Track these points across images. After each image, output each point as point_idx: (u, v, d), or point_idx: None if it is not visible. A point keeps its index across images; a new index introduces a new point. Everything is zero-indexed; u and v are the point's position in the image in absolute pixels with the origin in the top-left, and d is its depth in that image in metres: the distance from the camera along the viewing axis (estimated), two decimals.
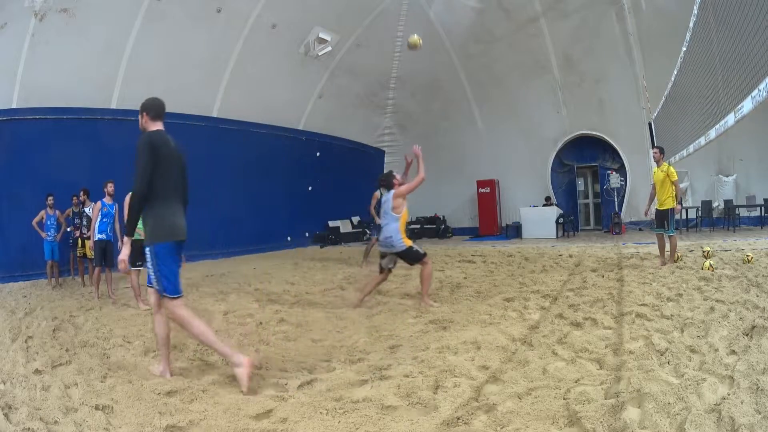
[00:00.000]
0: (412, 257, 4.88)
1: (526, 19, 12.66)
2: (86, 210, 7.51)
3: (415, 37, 6.61)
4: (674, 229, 6.39)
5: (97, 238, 6.32)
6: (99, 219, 6.33)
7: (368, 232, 8.92)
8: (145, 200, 2.70)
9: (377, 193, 8.70)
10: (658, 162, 6.53)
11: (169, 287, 2.74)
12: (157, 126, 2.90)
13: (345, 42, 12.81)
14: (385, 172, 5.20)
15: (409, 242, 4.86)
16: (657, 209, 6.54)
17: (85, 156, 8.80)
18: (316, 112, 13.96)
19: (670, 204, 6.36)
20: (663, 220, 6.40)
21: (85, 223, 7.47)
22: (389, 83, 14.99)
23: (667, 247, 6.50)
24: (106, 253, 6.33)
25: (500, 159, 14.90)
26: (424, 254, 4.88)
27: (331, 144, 14.93)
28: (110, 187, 6.44)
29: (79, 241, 7.49)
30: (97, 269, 6.38)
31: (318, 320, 4.57)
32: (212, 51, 10.56)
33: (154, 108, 2.90)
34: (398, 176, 5.09)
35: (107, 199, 6.39)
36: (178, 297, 2.77)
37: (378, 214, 8.72)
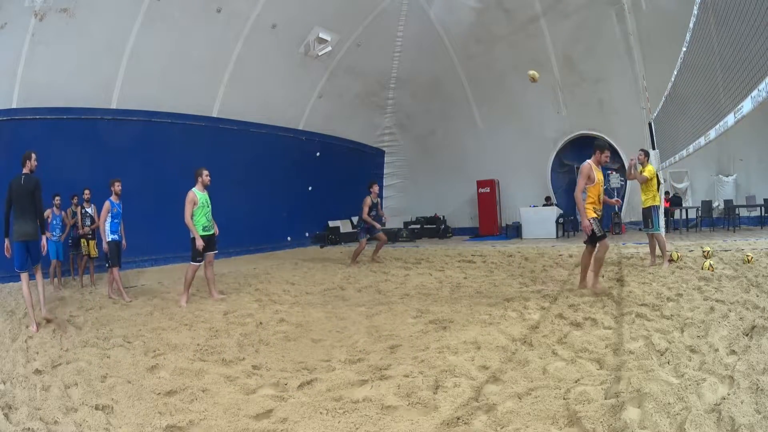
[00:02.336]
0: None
1: (526, 19, 12.65)
2: (88, 210, 7.48)
3: (535, 74, 6.84)
4: (658, 227, 6.49)
5: (110, 239, 6.22)
6: (110, 219, 6.21)
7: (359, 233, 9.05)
8: (7, 217, 4.57)
9: (368, 200, 8.73)
10: (642, 164, 6.73)
11: (15, 264, 4.59)
12: (23, 170, 4.61)
13: (345, 42, 12.80)
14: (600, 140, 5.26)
15: (592, 214, 4.93)
16: (642, 208, 6.76)
17: (85, 156, 8.80)
18: (316, 112, 13.94)
19: (651, 202, 6.53)
20: (647, 219, 6.58)
21: (88, 223, 7.44)
22: (389, 83, 14.99)
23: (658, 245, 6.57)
24: (118, 253, 6.32)
25: (500, 159, 14.88)
26: (603, 236, 4.96)
27: (331, 144, 14.90)
28: (117, 186, 6.30)
29: (83, 240, 7.47)
30: (114, 269, 6.24)
31: (318, 320, 4.58)
32: (212, 51, 10.55)
33: (22, 159, 4.65)
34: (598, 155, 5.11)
35: (114, 198, 6.28)
36: (20, 271, 4.61)
37: (372, 217, 8.77)
